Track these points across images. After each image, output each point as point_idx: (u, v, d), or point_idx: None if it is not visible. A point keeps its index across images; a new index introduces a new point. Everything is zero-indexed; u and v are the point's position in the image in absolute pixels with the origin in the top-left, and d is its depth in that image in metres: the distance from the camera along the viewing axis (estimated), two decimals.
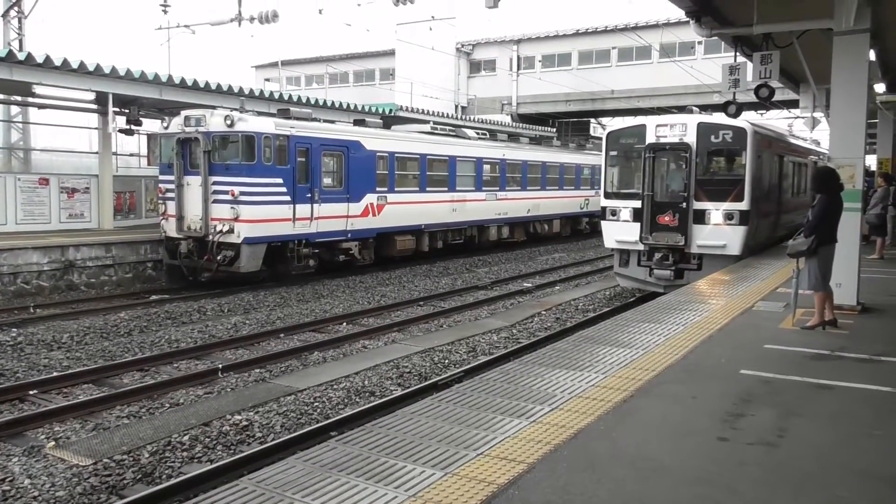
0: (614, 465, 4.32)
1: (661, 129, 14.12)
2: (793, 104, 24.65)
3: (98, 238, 16.98)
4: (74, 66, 16.29)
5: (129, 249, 17.13)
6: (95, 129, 20.33)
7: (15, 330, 11.99)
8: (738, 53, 11.63)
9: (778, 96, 15.75)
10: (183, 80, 18.47)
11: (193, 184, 16.21)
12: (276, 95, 22.03)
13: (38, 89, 16.93)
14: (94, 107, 18.93)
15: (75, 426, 7.85)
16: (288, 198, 16.49)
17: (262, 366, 10.28)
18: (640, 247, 14.32)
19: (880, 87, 17.94)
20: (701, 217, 13.75)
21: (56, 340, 11.49)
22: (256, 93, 21.34)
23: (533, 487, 3.95)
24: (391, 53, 43.80)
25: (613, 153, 15.27)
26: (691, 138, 13.77)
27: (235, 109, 16.61)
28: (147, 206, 20.61)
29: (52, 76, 16.24)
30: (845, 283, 9.38)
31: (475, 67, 42.83)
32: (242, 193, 15.63)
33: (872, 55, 12.68)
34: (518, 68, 40.93)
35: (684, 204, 13.76)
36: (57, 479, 6.40)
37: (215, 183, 15.93)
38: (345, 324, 13.27)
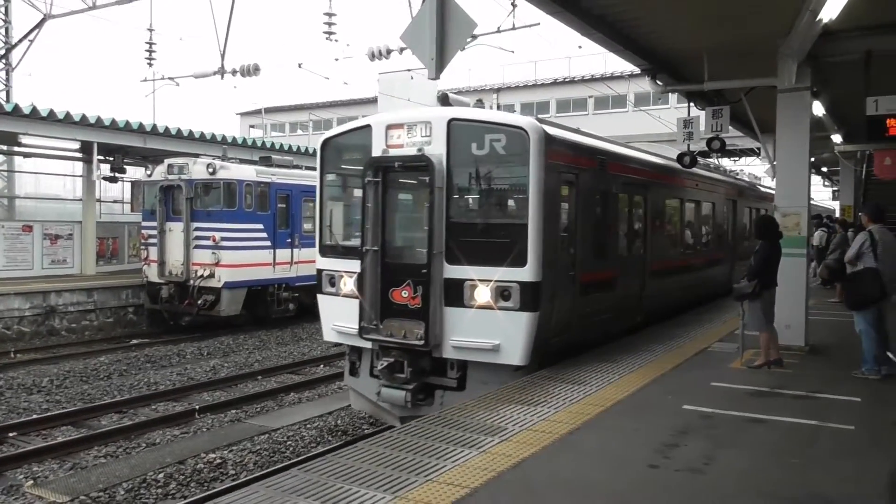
0: (551, 489, 4.75)
1: (395, 133, 8.48)
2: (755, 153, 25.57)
3: (80, 283, 17.30)
4: (60, 116, 16.87)
5: (110, 294, 17.44)
6: (80, 176, 20.81)
7: None
8: (691, 107, 12.39)
9: (747, 144, 16.43)
10: (167, 129, 19.07)
11: (175, 230, 16.67)
12: (259, 143, 22.67)
13: (24, 139, 17.44)
14: (80, 155, 19.45)
15: (53, 466, 8.16)
16: (269, 243, 16.99)
17: (238, 407, 10.62)
18: (368, 343, 8.59)
19: (837, 138, 18.75)
20: (458, 293, 8.03)
21: (36, 384, 11.76)
22: (239, 141, 21.98)
23: None
24: (374, 101, 44.87)
25: (332, 176, 9.57)
26: (438, 147, 8.12)
27: (217, 157, 17.18)
28: (129, 252, 20.97)
29: (39, 126, 16.80)
30: (794, 325, 9.90)
31: None
32: (224, 239, 16.11)
33: (822, 109, 13.47)
34: None
35: (426, 269, 8.04)
36: None
37: (197, 229, 16.41)
38: (322, 366, 13.63)
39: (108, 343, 15.81)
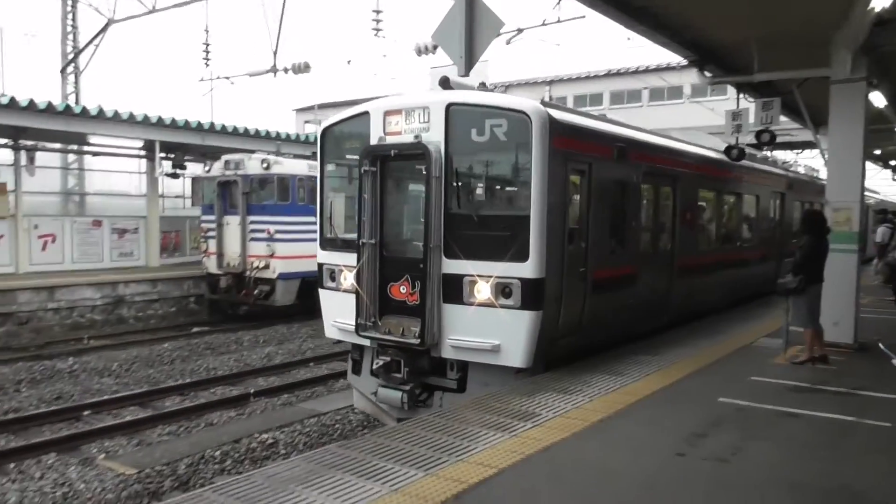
0: (576, 472, 4.98)
1: (393, 119, 8.06)
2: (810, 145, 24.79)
3: (145, 275, 18.23)
4: (125, 117, 17.75)
5: (173, 285, 18.32)
6: (144, 173, 21.83)
7: (71, 358, 13.13)
8: (740, 99, 12.26)
9: (808, 136, 15.85)
10: (223, 127, 19.83)
11: (233, 223, 17.38)
12: (312, 138, 23.29)
13: (92, 139, 18.40)
14: (143, 153, 20.40)
15: (122, 442, 8.80)
16: None
17: (290, 391, 11.14)
18: (367, 340, 8.28)
19: None
20: (457, 289, 7.62)
21: (107, 368, 12.55)
22: (293, 136, 22.64)
23: (500, 486, 4.64)
24: None
25: (332, 166, 9.19)
26: (436, 134, 7.71)
27: (272, 153, 17.80)
28: (190, 245, 21.90)
29: (105, 126, 17.71)
30: (842, 322, 9.72)
31: None
32: (278, 232, 16.73)
33: (884, 101, 13.06)
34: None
35: (423, 264, 7.68)
36: (107, 485, 7.34)
37: (253, 222, 17.09)
38: None
39: (171, 331, 16.65)
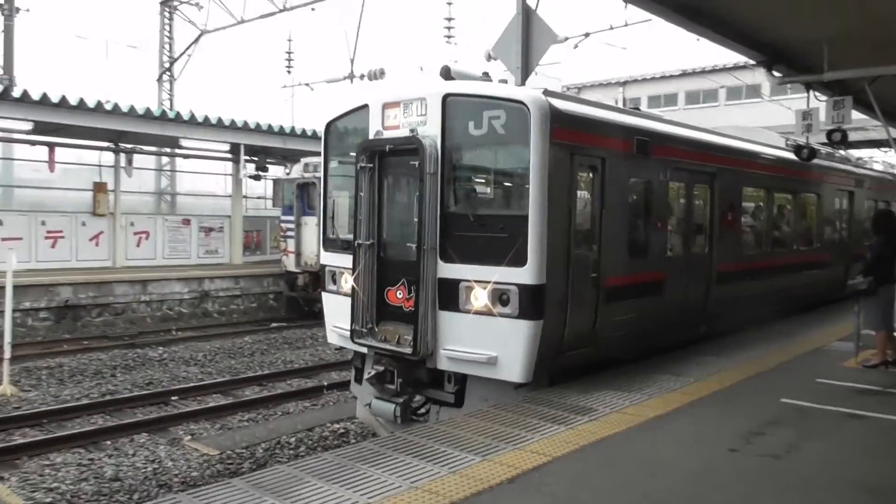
0: (627, 463, 5.18)
1: (391, 112, 7.61)
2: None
3: (229, 272, 19.27)
4: (213, 121, 18.82)
5: (254, 282, 19.29)
6: (229, 175, 22.99)
7: (161, 348, 14.12)
8: (812, 98, 11.98)
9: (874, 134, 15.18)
10: (303, 131, 20.69)
11: (310, 223, 18.13)
12: None
13: (183, 142, 19.58)
14: (229, 156, 21.51)
15: (206, 426, 9.48)
16: None
17: None
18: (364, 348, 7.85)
19: None
20: (453, 295, 7.07)
21: (192, 358, 13.42)
22: None
23: (552, 473, 4.90)
24: None
25: (335, 163, 8.73)
26: (433, 127, 7.23)
27: None
28: (271, 244, 22.91)
29: (196, 131, 18.84)
30: None
31: None
32: None
33: None
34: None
35: (420, 267, 7.12)
36: (192, 463, 8.00)
37: None
38: None
39: (252, 325, 17.55)
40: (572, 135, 7.13)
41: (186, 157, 23.07)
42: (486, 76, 7.58)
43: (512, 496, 4.51)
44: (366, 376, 7.78)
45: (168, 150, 22.26)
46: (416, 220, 7.21)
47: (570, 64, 42.33)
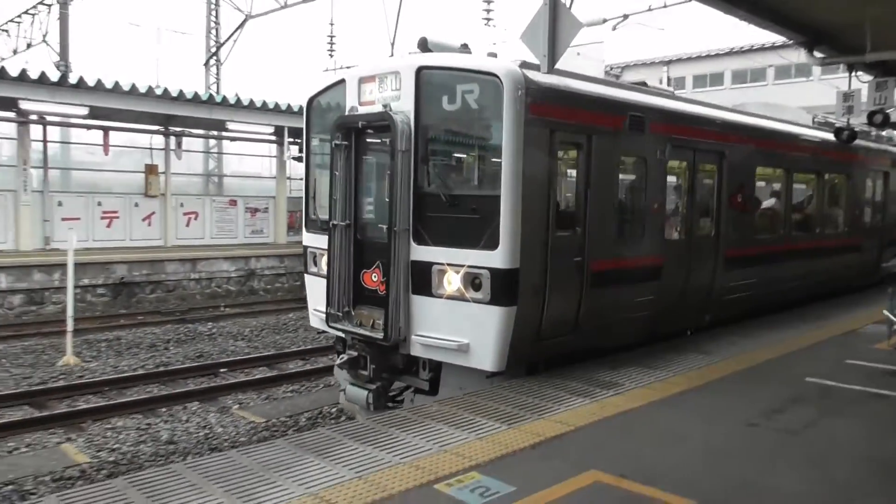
0: (646, 434, 5.45)
1: (367, 88, 7.30)
2: None
3: (274, 251, 19.93)
4: (258, 105, 19.39)
5: (298, 261, 19.87)
6: (274, 157, 23.61)
7: (210, 323, 14.81)
8: (852, 79, 11.86)
9: None
10: None
11: None
12: None
13: (230, 125, 20.21)
14: (273, 138, 22.08)
15: (252, 396, 10.05)
16: None
17: None
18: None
19: None
20: (426, 279, 6.79)
21: (240, 333, 14.07)
22: None
23: (573, 441, 5.21)
24: None
25: (317, 140, 8.45)
26: (407, 102, 6.90)
27: None
28: None
29: (241, 114, 19.44)
30: None
31: None
32: None
33: None
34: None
35: (391, 250, 6.85)
36: (240, 430, 8.55)
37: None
38: None
39: (296, 303, 18.13)
40: (552, 110, 6.72)
41: (233, 139, 23.70)
42: (464, 48, 7.13)
43: (532, 460, 4.84)
44: (337, 362, 7.69)
45: (215, 132, 22.96)
46: (387, 199, 6.91)
47: (612, 44, 41.81)
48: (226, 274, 18.42)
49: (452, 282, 6.60)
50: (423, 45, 7.17)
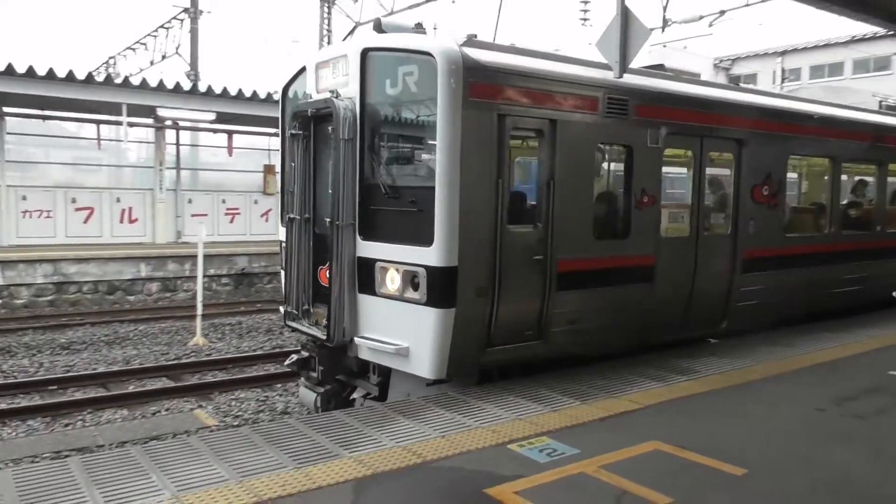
0: (710, 415, 5.82)
1: (324, 74, 7.00)
2: None
3: None
4: None
5: None
6: None
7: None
8: None
9: None
10: None
11: None
12: None
13: None
14: None
15: None
16: None
17: None
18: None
19: None
20: (371, 277, 6.38)
21: None
22: None
23: (639, 417, 5.67)
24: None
25: (294, 131, 7.17)
26: (353, 88, 6.48)
27: None
28: None
29: None
30: None
31: (734, 82, 41.80)
32: None
33: None
34: (782, 81, 39.17)
35: (334, 245, 6.50)
36: None
37: None
38: None
39: None
40: (501, 92, 6.11)
41: None
42: (418, 27, 6.47)
43: (600, 430, 5.36)
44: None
45: None
46: (329, 192, 6.52)
47: (720, 37, 40.46)
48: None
49: (394, 280, 6.14)
50: (378, 27, 6.63)
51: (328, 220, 6.56)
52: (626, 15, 5.39)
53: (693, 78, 8.37)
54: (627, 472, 4.49)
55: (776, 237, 8.96)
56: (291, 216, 7.03)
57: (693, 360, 7.52)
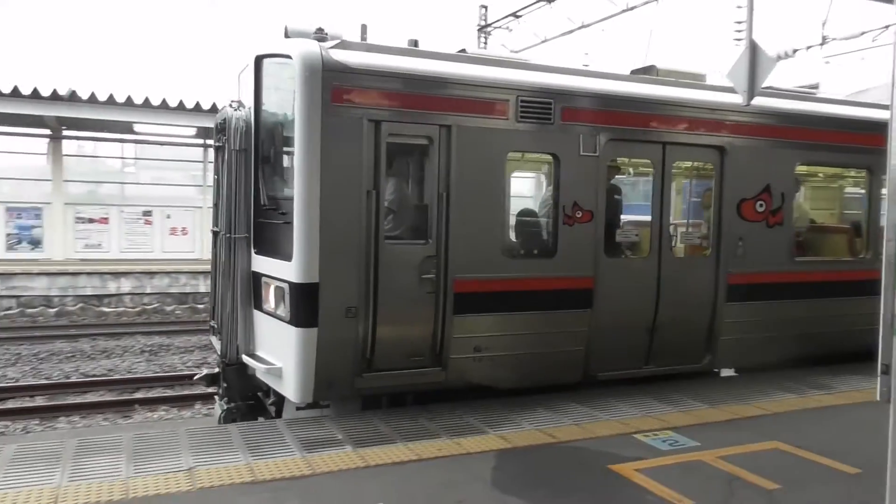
0: (840, 424, 6.11)
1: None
2: None
3: None
4: None
5: None
6: None
7: None
8: None
9: None
10: None
11: None
12: None
13: None
14: None
15: None
16: None
17: None
18: None
19: None
20: (259, 292, 6.19)
21: None
22: None
23: (768, 421, 6.08)
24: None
25: (217, 143, 7.02)
26: (250, 96, 6.29)
27: None
28: None
29: None
30: None
31: None
32: None
33: None
34: None
35: (225, 259, 6.34)
36: None
37: None
38: None
39: None
40: (375, 96, 5.69)
41: None
42: (319, 32, 5.80)
43: (724, 429, 5.85)
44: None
45: None
46: (213, 204, 6.35)
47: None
48: None
49: (269, 296, 5.93)
50: (285, 33, 6.11)
51: (222, 232, 6.34)
52: (754, 48, 5.90)
53: (677, 80, 7.32)
54: (742, 463, 5.00)
55: (778, 261, 7.64)
56: (214, 230, 6.77)
57: (832, 377, 7.64)
